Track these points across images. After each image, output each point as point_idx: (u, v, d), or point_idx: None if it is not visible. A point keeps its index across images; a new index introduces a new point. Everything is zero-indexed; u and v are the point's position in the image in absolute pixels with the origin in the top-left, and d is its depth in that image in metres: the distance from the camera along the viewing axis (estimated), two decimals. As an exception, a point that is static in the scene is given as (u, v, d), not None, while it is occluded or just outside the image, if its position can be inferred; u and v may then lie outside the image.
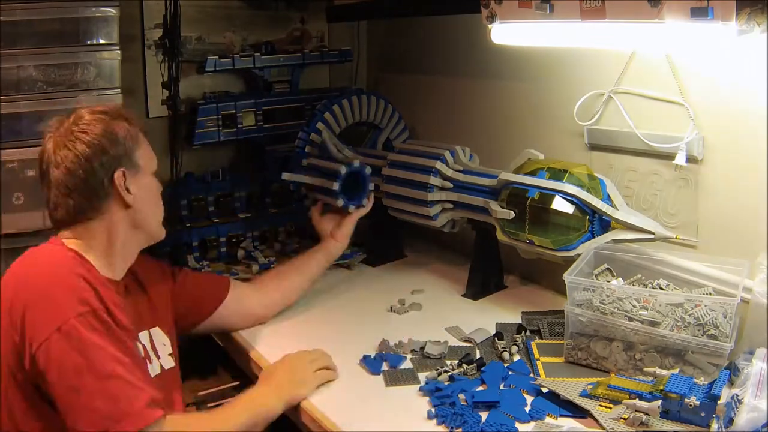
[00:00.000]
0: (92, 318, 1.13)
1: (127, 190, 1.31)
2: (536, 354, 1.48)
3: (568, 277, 1.40)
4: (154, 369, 1.35)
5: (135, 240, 1.36)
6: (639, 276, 1.47)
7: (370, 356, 1.49)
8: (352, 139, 2.23)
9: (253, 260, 2.07)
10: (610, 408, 1.22)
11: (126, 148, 1.31)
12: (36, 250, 1.27)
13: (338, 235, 1.84)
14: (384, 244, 2.14)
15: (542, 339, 1.56)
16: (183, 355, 1.49)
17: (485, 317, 1.68)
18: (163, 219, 1.42)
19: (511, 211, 1.63)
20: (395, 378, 1.41)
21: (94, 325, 1.12)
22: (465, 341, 1.57)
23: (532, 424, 1.23)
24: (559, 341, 1.49)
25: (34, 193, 1.86)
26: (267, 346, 1.57)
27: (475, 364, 1.42)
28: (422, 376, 1.42)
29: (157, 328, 1.42)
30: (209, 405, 1.56)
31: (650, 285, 1.42)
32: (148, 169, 1.37)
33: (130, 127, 1.33)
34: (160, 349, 1.39)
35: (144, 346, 1.35)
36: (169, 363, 1.41)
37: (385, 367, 1.46)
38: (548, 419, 1.24)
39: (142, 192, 1.34)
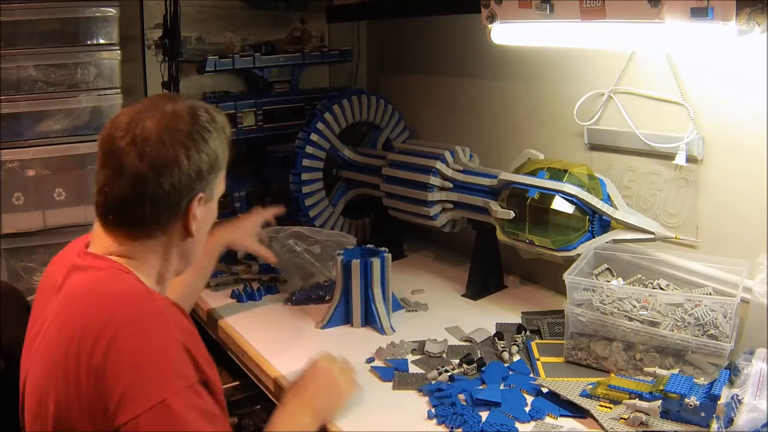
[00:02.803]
0: (189, 393, 0.96)
1: (195, 216, 1.12)
2: (536, 354, 1.48)
3: (568, 277, 1.40)
4: None
5: (174, 272, 1.17)
6: (639, 276, 1.47)
7: (381, 367, 1.46)
8: (352, 139, 2.23)
9: (253, 260, 2.07)
10: (610, 408, 1.22)
11: (217, 172, 1.13)
12: (111, 285, 1.03)
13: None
14: (384, 244, 2.14)
15: (542, 339, 1.55)
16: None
17: (485, 317, 1.68)
18: None
19: (511, 211, 1.63)
20: (404, 381, 1.39)
21: (189, 402, 0.96)
22: (465, 341, 1.57)
23: (532, 424, 1.23)
24: (559, 341, 1.49)
25: (34, 193, 1.87)
26: (268, 347, 1.56)
27: (475, 364, 1.42)
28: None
29: None
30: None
31: (650, 285, 1.42)
32: (218, 196, 1.19)
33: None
34: None
35: None
36: None
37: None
38: (548, 419, 1.24)
39: (204, 222, 1.15)
